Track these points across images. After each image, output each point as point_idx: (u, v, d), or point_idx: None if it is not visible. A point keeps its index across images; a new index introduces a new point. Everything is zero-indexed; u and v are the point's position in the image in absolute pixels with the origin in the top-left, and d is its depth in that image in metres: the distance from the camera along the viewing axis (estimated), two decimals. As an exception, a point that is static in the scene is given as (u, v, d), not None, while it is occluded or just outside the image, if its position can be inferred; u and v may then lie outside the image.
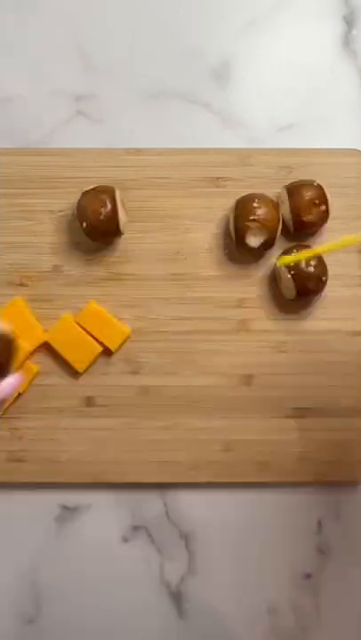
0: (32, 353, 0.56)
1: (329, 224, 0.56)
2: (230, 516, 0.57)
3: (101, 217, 0.54)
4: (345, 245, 0.33)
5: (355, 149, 0.58)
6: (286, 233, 0.57)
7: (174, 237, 0.58)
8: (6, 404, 0.34)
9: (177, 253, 0.57)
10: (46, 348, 0.56)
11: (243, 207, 0.55)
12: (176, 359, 0.57)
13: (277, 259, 0.33)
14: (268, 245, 0.55)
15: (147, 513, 0.57)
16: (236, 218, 0.55)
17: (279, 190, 0.57)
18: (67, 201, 0.57)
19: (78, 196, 0.55)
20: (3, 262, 0.57)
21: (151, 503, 0.57)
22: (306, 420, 0.56)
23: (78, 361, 0.55)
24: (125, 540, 0.56)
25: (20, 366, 0.54)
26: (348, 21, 0.61)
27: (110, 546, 0.56)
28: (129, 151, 0.58)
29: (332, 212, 0.55)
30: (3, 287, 0.57)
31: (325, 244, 0.34)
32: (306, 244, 0.56)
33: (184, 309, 0.57)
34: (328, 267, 0.54)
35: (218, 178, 0.58)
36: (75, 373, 0.56)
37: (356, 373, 0.56)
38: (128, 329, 0.56)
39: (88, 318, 0.56)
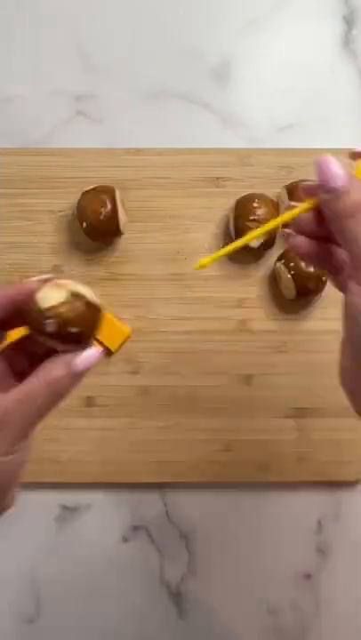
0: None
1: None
2: (230, 516, 0.57)
3: (101, 217, 0.54)
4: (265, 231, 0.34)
5: (355, 150, 0.58)
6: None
7: (174, 237, 0.58)
8: (82, 378, 0.33)
9: (177, 253, 0.57)
10: (46, 347, 0.56)
11: (243, 207, 0.55)
12: (176, 359, 0.57)
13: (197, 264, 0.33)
14: (268, 245, 0.55)
15: (147, 513, 0.57)
16: (236, 218, 0.55)
17: (279, 190, 0.57)
18: (67, 201, 0.57)
19: (78, 196, 0.55)
20: (3, 262, 0.57)
21: (151, 503, 0.57)
22: (306, 419, 0.56)
23: (78, 361, 0.55)
24: (125, 539, 0.56)
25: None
26: (348, 21, 0.61)
27: (110, 546, 0.56)
28: (129, 151, 0.58)
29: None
30: (3, 287, 0.57)
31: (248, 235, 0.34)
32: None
33: (184, 309, 0.57)
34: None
35: (218, 178, 0.58)
36: (75, 373, 0.56)
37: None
38: (128, 329, 0.56)
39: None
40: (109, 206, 0.54)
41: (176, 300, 0.57)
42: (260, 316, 0.57)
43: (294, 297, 0.55)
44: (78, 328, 0.31)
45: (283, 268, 0.54)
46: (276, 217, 0.54)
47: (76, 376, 0.32)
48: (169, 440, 0.56)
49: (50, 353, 0.32)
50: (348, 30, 0.61)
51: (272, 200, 0.55)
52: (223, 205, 0.58)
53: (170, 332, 0.57)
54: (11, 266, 0.57)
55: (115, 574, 0.56)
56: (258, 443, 0.56)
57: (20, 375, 0.35)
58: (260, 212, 0.54)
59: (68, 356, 0.32)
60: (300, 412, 0.56)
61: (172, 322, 0.57)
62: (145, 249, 0.57)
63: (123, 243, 0.57)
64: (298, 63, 0.61)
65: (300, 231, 0.34)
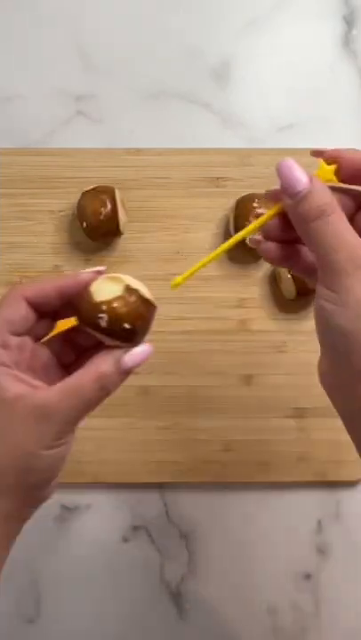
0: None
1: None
2: (230, 516, 0.57)
3: (101, 217, 0.54)
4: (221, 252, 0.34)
5: (355, 149, 0.58)
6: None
7: (174, 237, 0.58)
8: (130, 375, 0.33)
9: (177, 253, 0.57)
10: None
11: (243, 207, 0.55)
12: (176, 359, 0.57)
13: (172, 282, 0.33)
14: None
15: (147, 513, 0.57)
16: (236, 218, 0.55)
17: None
18: (67, 201, 0.57)
19: (78, 196, 0.55)
20: (3, 262, 0.57)
21: (151, 503, 0.57)
22: (306, 419, 0.56)
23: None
24: (125, 539, 0.56)
25: None
26: (348, 21, 0.61)
27: (110, 546, 0.56)
28: (129, 151, 0.58)
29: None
30: (3, 287, 0.57)
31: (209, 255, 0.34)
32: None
33: (184, 309, 0.57)
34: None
35: (218, 178, 0.58)
36: (75, 373, 0.56)
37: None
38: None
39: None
40: (109, 206, 0.54)
41: (176, 299, 0.57)
42: (260, 316, 0.57)
43: (294, 297, 0.55)
44: (131, 324, 0.31)
45: (283, 268, 0.54)
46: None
47: (125, 373, 0.32)
48: (169, 440, 0.56)
49: (98, 346, 0.32)
50: (348, 30, 0.61)
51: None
52: (223, 205, 0.58)
53: (170, 332, 0.57)
54: (11, 266, 0.57)
55: (115, 574, 0.56)
56: (258, 443, 0.56)
57: (67, 367, 0.35)
58: (260, 211, 0.54)
59: (117, 352, 0.31)
60: (300, 412, 0.56)
61: (172, 322, 0.57)
62: (145, 249, 0.57)
63: (123, 243, 0.57)
64: (298, 63, 0.61)
65: (268, 237, 0.33)
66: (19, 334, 0.32)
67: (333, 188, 0.31)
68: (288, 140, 0.59)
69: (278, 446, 0.56)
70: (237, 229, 0.54)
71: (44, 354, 0.34)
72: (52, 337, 0.35)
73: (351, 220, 0.32)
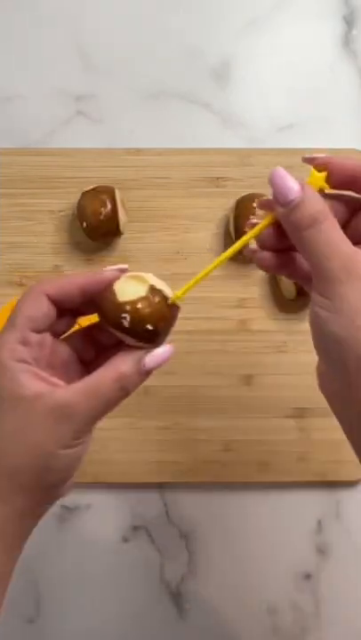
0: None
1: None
2: (230, 516, 0.57)
3: (101, 217, 0.54)
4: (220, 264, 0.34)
5: (355, 149, 0.58)
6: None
7: (174, 237, 0.58)
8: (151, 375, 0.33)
9: (177, 253, 0.57)
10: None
11: (243, 207, 0.55)
12: (176, 359, 0.56)
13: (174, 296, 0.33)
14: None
15: (147, 513, 0.57)
16: (236, 218, 0.55)
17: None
18: (67, 201, 0.57)
19: (78, 196, 0.55)
20: (3, 262, 0.57)
21: (151, 503, 0.57)
22: (306, 419, 0.56)
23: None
24: (125, 539, 0.56)
25: None
26: (348, 21, 0.61)
27: (110, 546, 0.56)
28: (129, 151, 0.58)
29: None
30: (3, 287, 0.57)
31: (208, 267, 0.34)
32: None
33: (184, 309, 0.57)
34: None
35: (218, 178, 0.58)
36: (75, 373, 0.56)
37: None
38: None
39: (88, 318, 0.56)
40: (109, 206, 0.54)
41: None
42: (261, 316, 0.57)
43: (294, 297, 0.55)
44: (154, 325, 0.30)
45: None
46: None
47: (145, 374, 0.32)
48: (169, 440, 0.56)
49: (119, 345, 0.32)
50: (349, 30, 0.61)
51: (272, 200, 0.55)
52: (223, 205, 0.58)
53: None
54: (11, 266, 0.57)
55: (115, 574, 0.56)
56: (258, 443, 0.56)
57: (87, 364, 0.35)
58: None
59: (138, 353, 0.31)
60: (300, 412, 0.56)
61: (172, 322, 0.57)
62: (145, 249, 0.57)
63: (123, 243, 0.57)
64: (298, 63, 0.61)
65: (263, 246, 0.33)
66: (39, 331, 0.32)
67: (325, 195, 0.31)
68: (288, 140, 0.59)
69: (278, 446, 0.56)
70: (237, 229, 0.54)
71: (64, 350, 0.34)
72: (73, 333, 0.35)
73: (344, 226, 0.32)
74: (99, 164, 0.58)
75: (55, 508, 0.56)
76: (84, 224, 0.54)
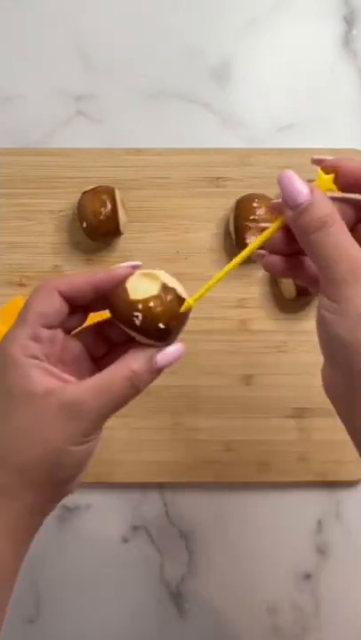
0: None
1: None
2: (230, 516, 0.57)
3: (101, 217, 0.54)
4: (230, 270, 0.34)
5: (355, 149, 0.58)
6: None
7: (174, 237, 0.58)
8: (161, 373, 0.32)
9: (177, 253, 0.57)
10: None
11: (243, 207, 0.55)
12: (176, 359, 0.57)
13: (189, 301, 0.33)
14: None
15: (147, 513, 0.57)
16: (236, 218, 0.55)
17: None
18: (67, 201, 0.57)
19: (78, 195, 0.55)
20: (3, 262, 0.57)
21: (151, 503, 0.57)
22: (306, 419, 0.56)
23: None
24: (125, 540, 0.56)
25: None
26: (349, 21, 0.61)
27: (110, 546, 0.56)
28: (129, 151, 0.58)
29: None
30: (3, 287, 0.57)
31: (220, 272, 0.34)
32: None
33: (184, 309, 0.57)
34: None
35: (218, 178, 0.58)
36: (75, 373, 0.56)
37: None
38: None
39: (88, 318, 0.56)
40: (109, 206, 0.54)
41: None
42: (261, 316, 0.57)
43: (294, 297, 0.55)
44: (166, 324, 0.30)
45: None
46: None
47: (157, 372, 0.32)
48: (169, 440, 0.56)
49: (130, 341, 0.32)
50: (349, 30, 0.61)
51: (272, 200, 0.55)
52: (223, 205, 0.58)
53: (170, 332, 0.57)
54: (11, 266, 0.57)
55: (115, 574, 0.56)
56: (258, 443, 0.56)
57: (97, 360, 0.35)
58: (260, 212, 0.54)
59: (150, 351, 0.31)
60: (300, 412, 0.56)
61: (172, 322, 0.57)
62: (145, 249, 0.57)
63: (123, 243, 0.57)
64: (298, 63, 0.61)
65: (273, 250, 0.33)
66: (50, 327, 0.32)
67: (334, 198, 0.31)
68: (288, 140, 0.59)
69: (278, 446, 0.56)
70: (237, 229, 0.54)
71: (75, 346, 0.34)
72: (84, 329, 0.35)
73: (352, 229, 0.32)
74: (99, 164, 0.58)
75: (55, 508, 0.56)
76: (84, 224, 0.54)
